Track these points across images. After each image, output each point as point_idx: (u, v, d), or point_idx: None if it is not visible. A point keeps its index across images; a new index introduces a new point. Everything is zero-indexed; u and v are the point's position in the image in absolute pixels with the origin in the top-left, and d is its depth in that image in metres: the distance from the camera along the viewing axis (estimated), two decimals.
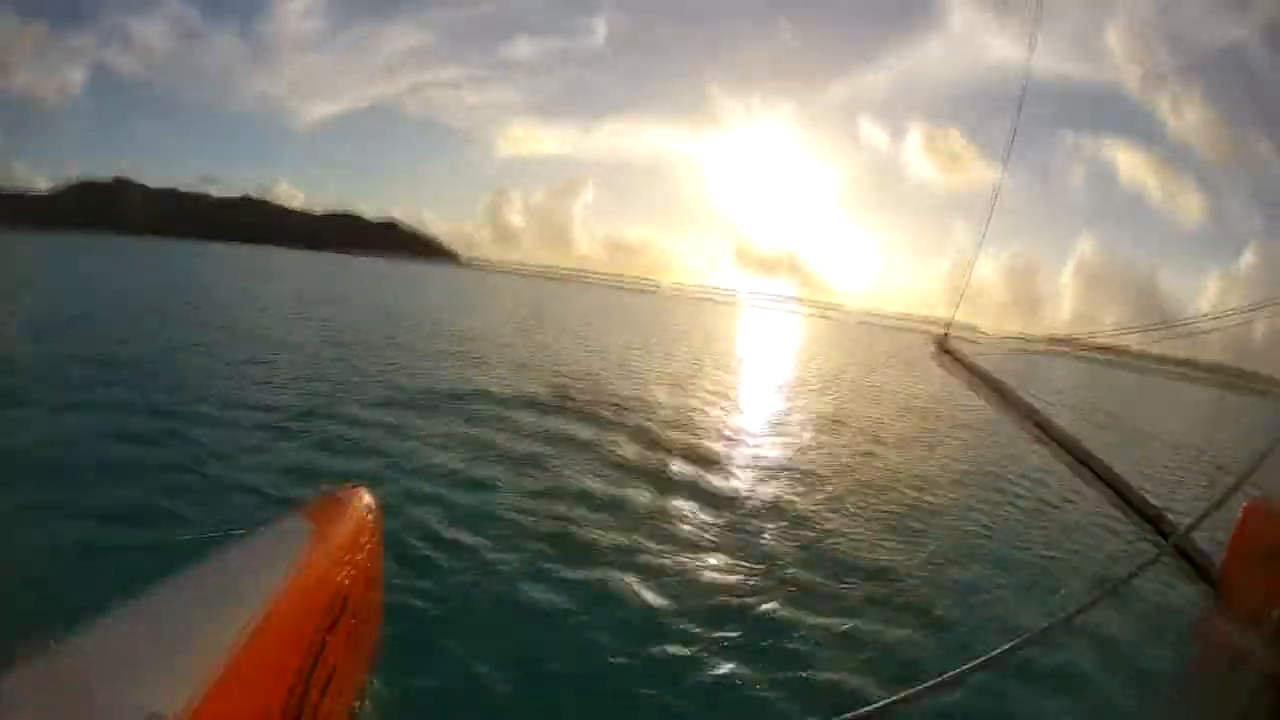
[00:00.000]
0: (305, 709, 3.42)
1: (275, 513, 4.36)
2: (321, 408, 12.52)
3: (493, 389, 15.91)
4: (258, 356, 17.25)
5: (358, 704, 4.52)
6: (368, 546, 4.47)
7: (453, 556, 7.22)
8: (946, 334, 8.42)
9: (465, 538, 7.71)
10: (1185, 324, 8.16)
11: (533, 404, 14.85)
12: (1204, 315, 7.67)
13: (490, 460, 10.53)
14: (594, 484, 10.17)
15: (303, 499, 4.56)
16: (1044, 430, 6.98)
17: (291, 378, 15.38)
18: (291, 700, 3.25)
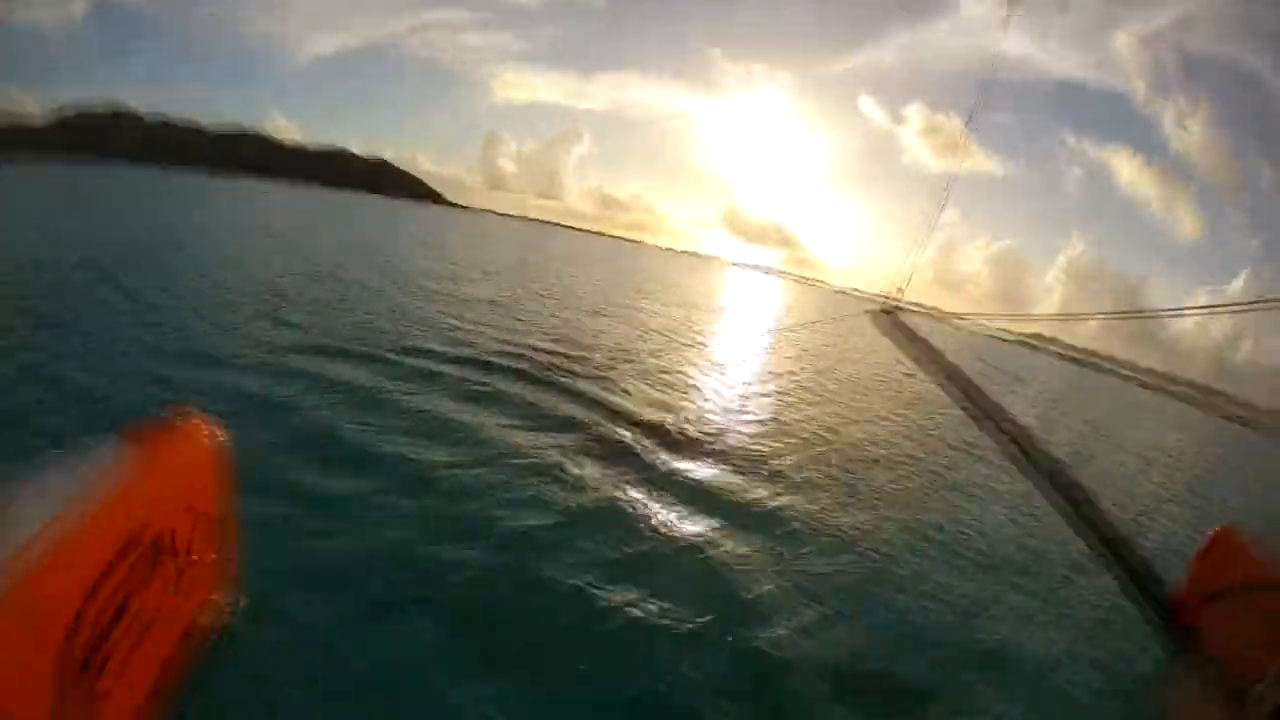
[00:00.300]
0: (103, 651, 3.15)
1: (100, 435, 3.64)
2: (224, 345, 11.56)
3: (432, 343, 14.74)
4: (176, 286, 15.88)
5: (200, 652, 4.15)
6: (204, 482, 4.05)
7: (331, 505, 6.75)
8: (891, 298, 8.48)
9: (348, 482, 7.28)
10: (1155, 314, 8.20)
11: (467, 360, 13.71)
12: (1178, 309, 7.75)
13: (404, 413, 9.91)
14: (499, 433, 9.78)
15: (133, 424, 3.78)
16: (973, 402, 7.11)
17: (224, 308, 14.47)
18: (77, 640, 2.94)
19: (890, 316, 8.16)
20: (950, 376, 6.88)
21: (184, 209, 36.02)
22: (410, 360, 12.71)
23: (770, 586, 7.02)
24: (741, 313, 47.52)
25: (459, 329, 16.52)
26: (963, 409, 7.28)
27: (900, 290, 8.29)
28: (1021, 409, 24.00)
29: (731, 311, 46.61)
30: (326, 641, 4.89)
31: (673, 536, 7.66)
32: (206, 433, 4.08)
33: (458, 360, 13.34)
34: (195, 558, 3.93)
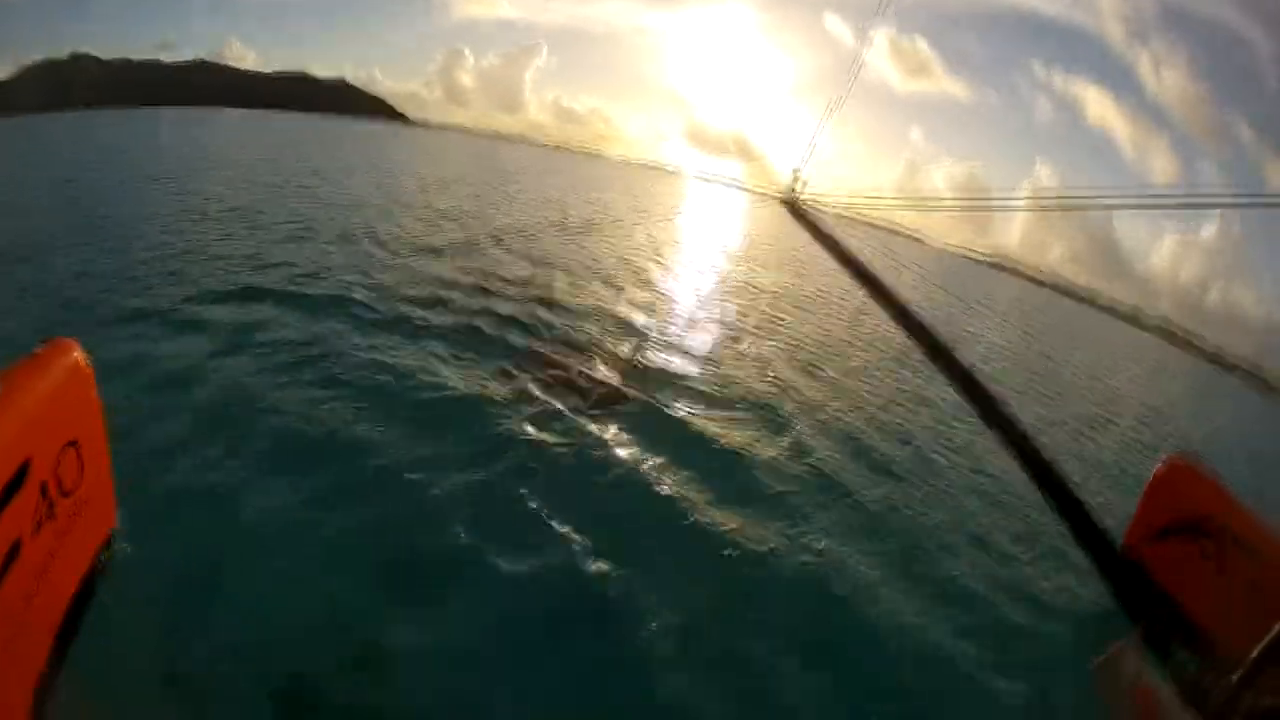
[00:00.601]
0: None
1: None
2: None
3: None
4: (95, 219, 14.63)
5: (89, 588, 3.97)
6: (70, 412, 3.81)
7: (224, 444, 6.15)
8: (794, 191, 8.25)
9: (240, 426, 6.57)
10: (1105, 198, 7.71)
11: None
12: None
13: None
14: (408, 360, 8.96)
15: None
16: (878, 293, 6.86)
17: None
18: None
19: (793, 208, 7.90)
20: (852, 266, 6.71)
21: (131, 149, 33.88)
22: (337, 293, 11.40)
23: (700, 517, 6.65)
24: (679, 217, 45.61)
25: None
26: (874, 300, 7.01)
27: (800, 181, 8.01)
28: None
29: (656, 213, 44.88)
30: (213, 571, 4.65)
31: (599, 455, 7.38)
32: (73, 358, 3.86)
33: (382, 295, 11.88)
34: (72, 491, 3.75)
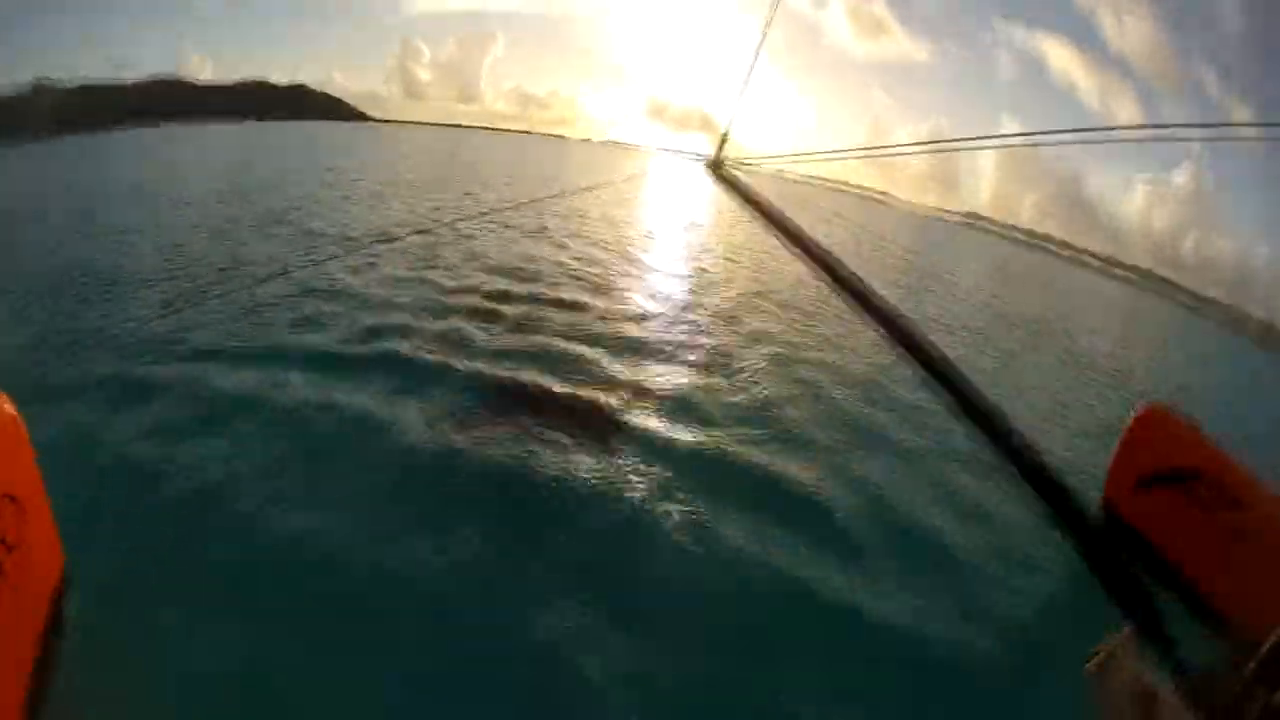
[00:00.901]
0: None
1: None
2: None
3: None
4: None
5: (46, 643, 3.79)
6: (2, 466, 3.68)
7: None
8: (720, 154, 7.60)
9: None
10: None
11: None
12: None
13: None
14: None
15: None
16: (813, 258, 6.31)
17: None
18: None
19: (719, 171, 7.17)
20: (781, 227, 5.95)
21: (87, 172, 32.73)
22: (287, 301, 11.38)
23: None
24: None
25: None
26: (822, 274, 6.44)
27: (726, 142, 7.27)
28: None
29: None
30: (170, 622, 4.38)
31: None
32: (4, 414, 3.71)
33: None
34: (16, 545, 3.57)
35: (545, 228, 21.98)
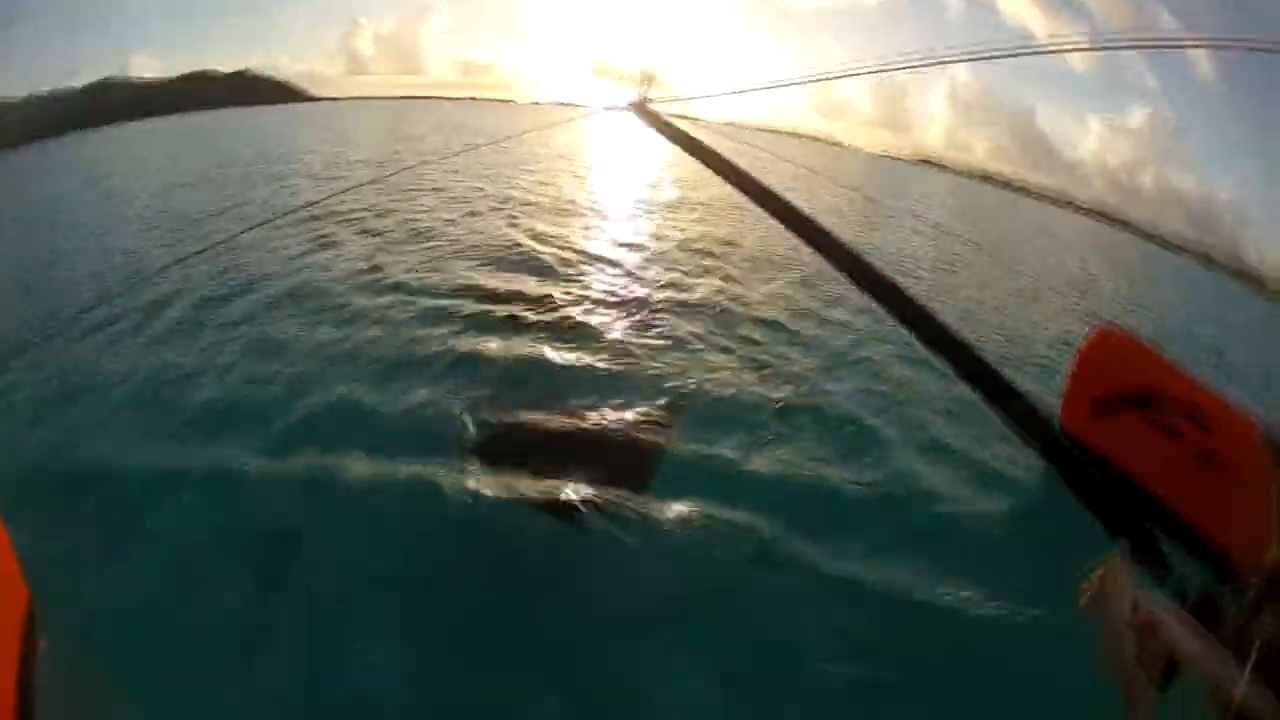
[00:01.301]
0: None
1: None
2: None
3: None
4: None
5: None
6: None
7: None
8: (644, 93, 7.16)
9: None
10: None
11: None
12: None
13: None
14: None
15: None
16: (746, 187, 5.92)
17: None
18: None
19: (641, 111, 6.91)
20: (709, 158, 5.65)
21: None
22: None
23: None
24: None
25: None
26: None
27: (650, 81, 6.95)
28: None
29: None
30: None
31: None
32: None
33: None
34: None
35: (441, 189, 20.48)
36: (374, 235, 13.81)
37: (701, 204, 21.96)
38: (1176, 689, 2.65)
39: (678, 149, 6.23)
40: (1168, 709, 2.75)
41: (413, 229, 14.51)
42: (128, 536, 4.82)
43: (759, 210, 5.57)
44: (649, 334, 9.08)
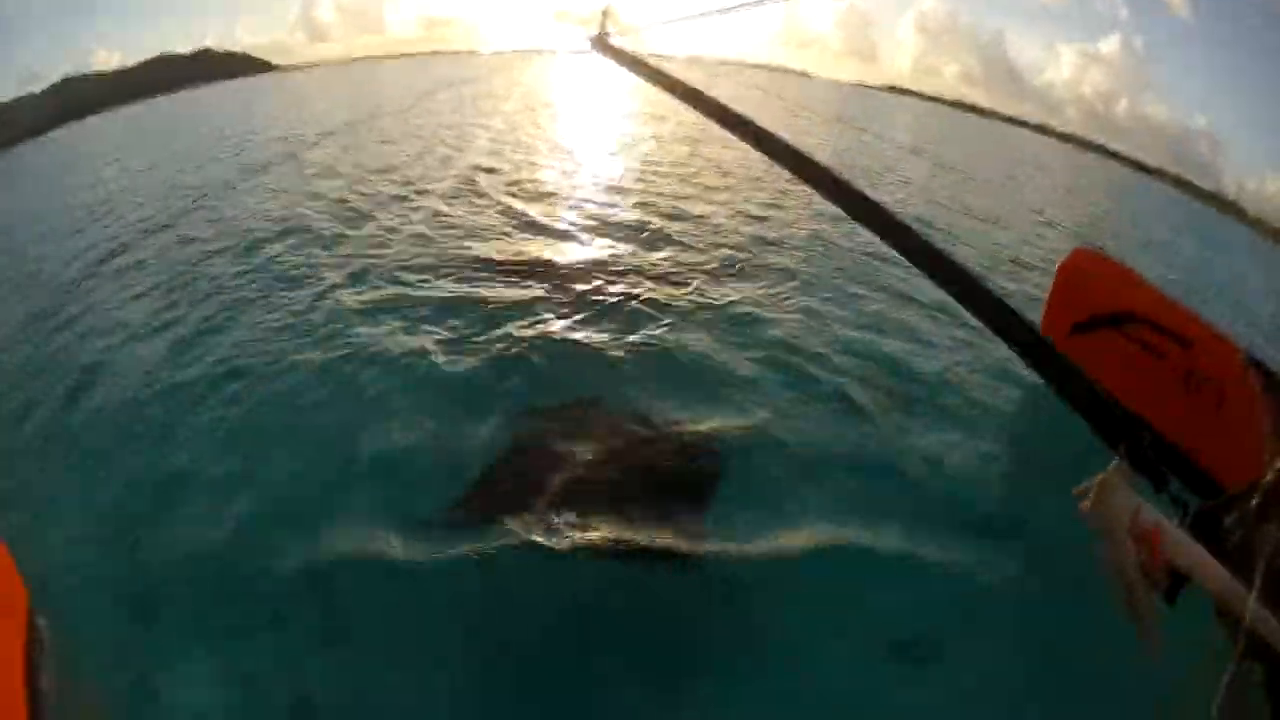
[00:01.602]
0: None
1: None
2: None
3: None
4: None
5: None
6: None
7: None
8: (603, 27, 6.82)
9: None
10: None
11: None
12: None
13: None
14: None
15: None
16: (713, 112, 5.66)
17: None
18: None
19: (601, 44, 6.62)
20: (672, 85, 5.39)
21: None
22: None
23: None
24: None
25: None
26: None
27: (605, 15, 6.63)
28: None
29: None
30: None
31: None
32: None
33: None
34: None
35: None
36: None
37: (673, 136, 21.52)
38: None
39: (645, 82, 5.93)
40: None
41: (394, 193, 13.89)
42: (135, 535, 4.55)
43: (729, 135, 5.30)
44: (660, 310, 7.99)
